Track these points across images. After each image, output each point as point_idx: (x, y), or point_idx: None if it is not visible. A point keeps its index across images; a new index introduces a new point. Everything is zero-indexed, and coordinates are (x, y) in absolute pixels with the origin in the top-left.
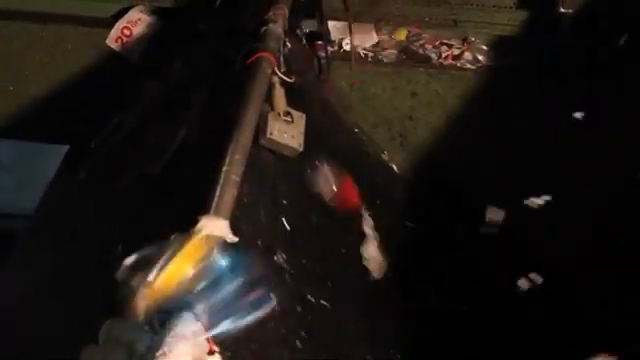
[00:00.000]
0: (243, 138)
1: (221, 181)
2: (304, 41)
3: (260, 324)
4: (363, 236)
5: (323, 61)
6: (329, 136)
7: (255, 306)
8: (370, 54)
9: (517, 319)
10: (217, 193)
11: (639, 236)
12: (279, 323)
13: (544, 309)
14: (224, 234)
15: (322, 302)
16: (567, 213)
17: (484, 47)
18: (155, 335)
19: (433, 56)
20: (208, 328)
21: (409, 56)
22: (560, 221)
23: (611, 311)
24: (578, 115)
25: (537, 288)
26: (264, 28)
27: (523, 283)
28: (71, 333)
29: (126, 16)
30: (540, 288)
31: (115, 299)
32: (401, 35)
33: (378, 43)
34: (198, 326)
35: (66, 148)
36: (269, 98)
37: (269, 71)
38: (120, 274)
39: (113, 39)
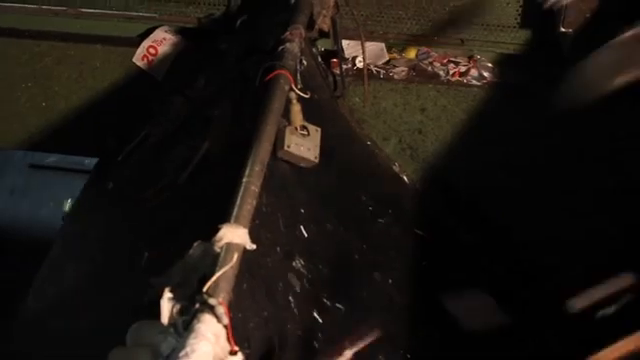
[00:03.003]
0: (262, 151)
1: (241, 191)
2: (320, 59)
3: (279, 325)
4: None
5: (338, 78)
6: (343, 148)
7: None
8: (382, 71)
9: (523, 323)
10: (237, 202)
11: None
12: (297, 325)
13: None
14: (244, 241)
15: (337, 305)
16: (571, 224)
17: (489, 64)
18: (179, 337)
19: (441, 73)
20: None
21: (418, 73)
22: (565, 232)
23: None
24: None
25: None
26: (282, 47)
27: None
28: (100, 334)
29: (152, 36)
30: (548, 296)
31: (141, 303)
32: (411, 53)
33: (389, 61)
34: (219, 328)
35: (95, 160)
36: (286, 113)
37: (286, 88)
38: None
39: (139, 57)
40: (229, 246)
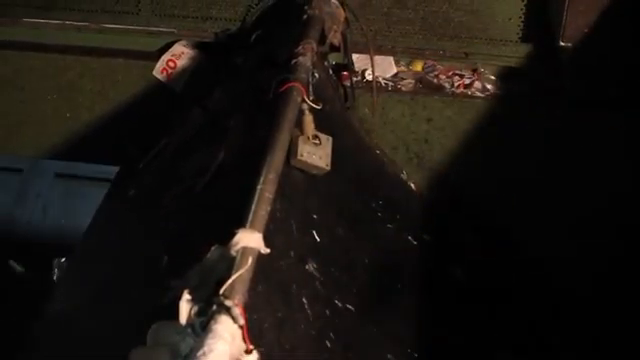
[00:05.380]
0: (276, 159)
1: (256, 198)
2: (331, 72)
3: (293, 326)
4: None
5: (348, 90)
6: (354, 157)
7: None
8: (390, 83)
9: (528, 328)
10: (252, 209)
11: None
12: (310, 325)
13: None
14: (258, 246)
15: (348, 306)
16: (573, 229)
17: (492, 77)
18: (197, 337)
19: (446, 85)
20: None
21: (425, 85)
22: (568, 238)
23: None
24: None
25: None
26: (294, 60)
27: None
28: (121, 335)
29: (171, 50)
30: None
31: (161, 305)
32: (418, 67)
33: (397, 74)
34: (235, 328)
35: (116, 169)
36: (299, 123)
37: (299, 99)
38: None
39: (159, 70)
40: (244, 250)
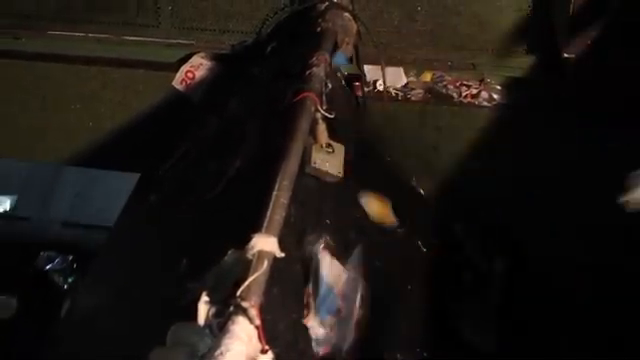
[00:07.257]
0: (290, 166)
1: (271, 204)
2: (343, 82)
3: (307, 326)
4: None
5: (360, 99)
6: (365, 164)
7: None
8: (400, 93)
9: (532, 327)
10: (268, 214)
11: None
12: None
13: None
14: (274, 249)
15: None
16: (577, 235)
17: (498, 87)
18: (214, 337)
19: (455, 95)
20: None
21: (434, 95)
22: (573, 243)
23: None
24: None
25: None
26: (308, 71)
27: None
28: (141, 335)
29: (190, 61)
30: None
31: (180, 306)
32: (427, 77)
33: (407, 84)
34: (251, 329)
35: (138, 175)
36: (313, 132)
37: (313, 108)
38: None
39: (178, 81)
40: (260, 254)
